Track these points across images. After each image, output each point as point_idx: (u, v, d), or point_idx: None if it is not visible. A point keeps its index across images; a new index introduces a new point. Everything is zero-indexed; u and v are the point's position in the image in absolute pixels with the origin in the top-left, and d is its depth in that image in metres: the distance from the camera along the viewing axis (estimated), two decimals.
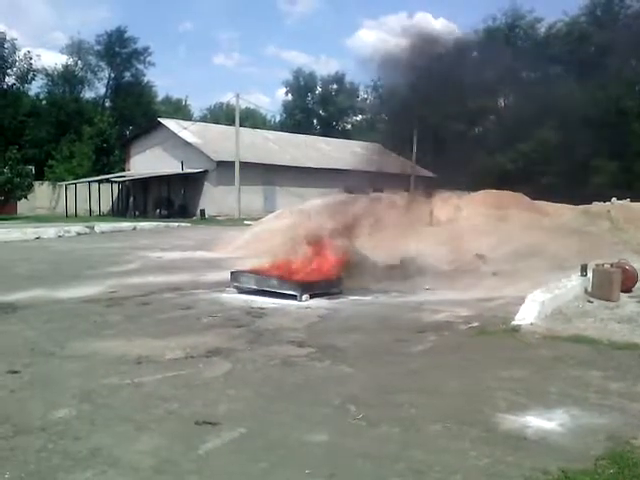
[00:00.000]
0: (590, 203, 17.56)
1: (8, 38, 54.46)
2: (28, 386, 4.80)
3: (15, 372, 5.11)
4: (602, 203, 17.18)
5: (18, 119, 52.83)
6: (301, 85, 74.04)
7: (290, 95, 74.88)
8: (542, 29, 55.91)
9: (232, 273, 9.65)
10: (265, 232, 16.01)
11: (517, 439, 3.83)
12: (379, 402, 4.50)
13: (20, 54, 54.52)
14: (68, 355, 5.73)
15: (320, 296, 8.98)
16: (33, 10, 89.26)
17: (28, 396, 4.57)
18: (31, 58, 54.98)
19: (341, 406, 4.40)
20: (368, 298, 9.18)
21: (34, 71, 56.07)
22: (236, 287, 9.46)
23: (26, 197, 36.09)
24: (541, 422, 4.12)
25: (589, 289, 8.75)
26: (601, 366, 5.48)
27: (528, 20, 56.64)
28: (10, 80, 55.57)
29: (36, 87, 58.59)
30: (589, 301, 8.36)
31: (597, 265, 8.97)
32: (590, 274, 8.84)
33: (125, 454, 3.57)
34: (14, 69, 55.16)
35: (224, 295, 9.20)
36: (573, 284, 8.66)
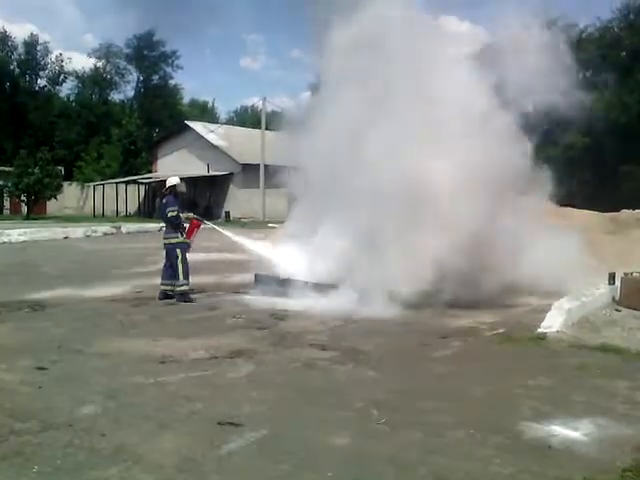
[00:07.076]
0: (618, 210, 17.21)
1: (41, 41, 55.80)
2: (55, 382, 4.89)
3: (43, 369, 5.21)
4: (631, 211, 16.82)
5: (49, 120, 53.81)
6: None
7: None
8: (573, 34, 55.35)
9: (256, 275, 9.69)
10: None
11: (542, 448, 3.78)
12: (402, 407, 4.48)
13: (52, 57, 55.82)
14: (94, 353, 5.82)
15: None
16: (65, 14, 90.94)
17: (55, 392, 4.65)
18: (62, 61, 56.25)
19: (364, 410, 4.39)
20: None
21: (65, 73, 57.28)
22: (260, 289, 9.49)
23: (55, 197, 36.65)
24: (566, 431, 4.06)
25: (617, 298, 8.60)
26: (628, 376, 5.37)
27: (560, 25, 56.07)
28: (42, 82, 56.86)
29: (66, 89, 59.73)
30: (617, 310, 8.21)
31: (625, 274, 8.82)
32: (618, 283, 8.69)
33: (149, 452, 3.61)
34: (46, 71, 56.43)
35: (248, 297, 9.23)
36: (601, 292, 8.51)
